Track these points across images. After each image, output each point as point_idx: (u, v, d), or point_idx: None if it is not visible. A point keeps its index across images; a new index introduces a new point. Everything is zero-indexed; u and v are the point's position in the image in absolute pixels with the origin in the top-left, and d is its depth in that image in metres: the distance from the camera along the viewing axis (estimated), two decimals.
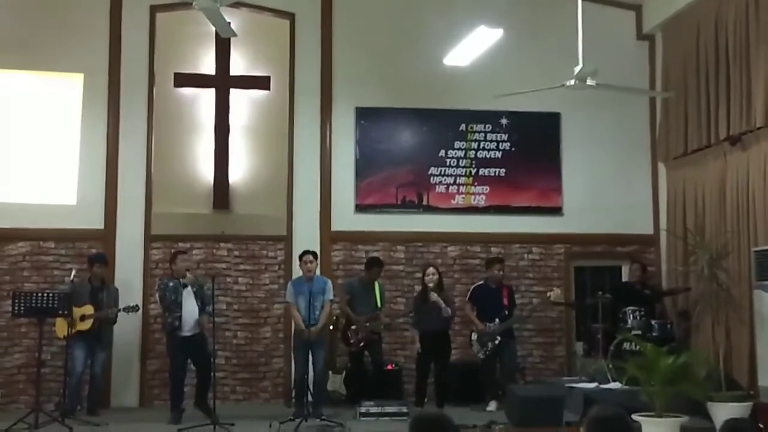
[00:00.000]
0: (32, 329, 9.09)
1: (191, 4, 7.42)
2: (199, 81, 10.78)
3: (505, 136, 10.73)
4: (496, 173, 10.69)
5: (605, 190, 10.72)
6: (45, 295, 8.34)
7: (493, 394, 9.14)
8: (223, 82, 10.77)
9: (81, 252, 9.73)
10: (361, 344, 9.33)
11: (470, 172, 10.65)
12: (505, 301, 9.44)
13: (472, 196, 10.64)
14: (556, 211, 10.72)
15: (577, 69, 7.51)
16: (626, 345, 8.87)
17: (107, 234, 9.91)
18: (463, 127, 10.69)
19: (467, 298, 9.64)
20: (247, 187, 10.81)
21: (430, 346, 9.22)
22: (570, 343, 10.62)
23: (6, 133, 10.00)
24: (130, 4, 10.18)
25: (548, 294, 9.61)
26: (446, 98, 10.53)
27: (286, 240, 10.26)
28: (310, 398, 8.47)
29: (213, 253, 10.17)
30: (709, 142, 9.67)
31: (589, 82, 7.49)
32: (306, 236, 10.01)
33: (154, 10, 10.25)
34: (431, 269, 9.40)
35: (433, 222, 10.51)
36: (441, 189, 10.60)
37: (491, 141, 10.72)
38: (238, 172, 10.80)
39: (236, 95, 10.82)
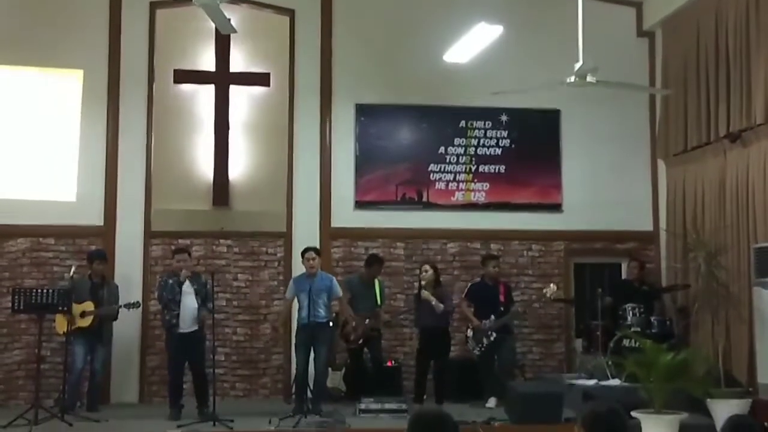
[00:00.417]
0: (32, 325, 9.09)
1: (191, 0, 7.41)
2: (198, 77, 10.77)
3: (504, 133, 10.73)
4: (496, 170, 10.69)
5: (605, 186, 10.72)
6: (45, 291, 8.34)
7: (492, 390, 9.14)
8: (222, 78, 10.76)
9: (81, 248, 9.73)
10: (361, 341, 9.34)
11: (470, 168, 10.65)
12: (502, 298, 9.45)
13: (472, 193, 10.64)
14: (556, 207, 10.72)
15: (577, 66, 7.49)
16: (625, 342, 8.87)
17: (107, 230, 9.91)
18: (462, 123, 10.69)
19: (464, 296, 9.65)
20: (246, 184, 10.80)
21: (428, 343, 9.24)
22: (569, 340, 10.63)
23: (5, 130, 10.00)
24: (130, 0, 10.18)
25: (544, 290, 9.61)
26: (446, 95, 10.53)
27: (286, 237, 10.26)
28: (309, 395, 8.48)
29: (212, 250, 10.17)
30: (708, 139, 9.67)
31: (588, 78, 7.47)
32: (305, 233, 10.02)
33: (153, 6, 10.24)
34: (426, 266, 9.42)
35: (432, 219, 10.52)
36: (441, 186, 10.60)
37: (491, 138, 10.72)
38: (237, 169, 10.80)
39: (236, 92, 10.80)
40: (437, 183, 10.60)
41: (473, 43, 8.67)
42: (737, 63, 9.07)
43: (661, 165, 10.83)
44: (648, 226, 10.86)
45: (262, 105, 10.92)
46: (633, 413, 6.65)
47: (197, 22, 10.01)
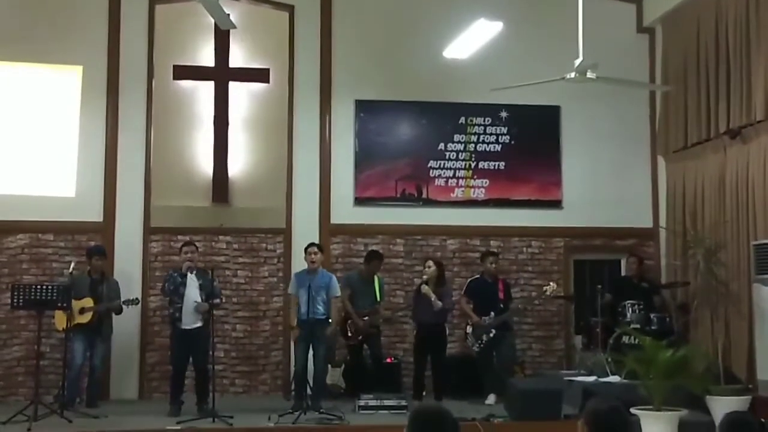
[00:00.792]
0: (31, 321, 9.08)
1: None
2: (198, 73, 10.74)
3: (504, 129, 10.72)
4: (496, 166, 10.68)
5: (605, 183, 10.72)
6: (44, 287, 8.34)
7: (492, 387, 9.14)
8: (222, 74, 10.74)
9: (80, 244, 9.72)
10: (360, 337, 9.34)
11: (470, 165, 10.64)
12: (501, 295, 9.45)
13: (472, 189, 10.63)
14: (556, 204, 10.72)
15: (577, 62, 7.49)
16: (625, 338, 8.88)
17: (106, 226, 9.90)
18: (462, 120, 10.68)
19: (463, 292, 9.64)
20: (246, 180, 10.79)
21: (425, 339, 9.24)
22: (569, 337, 10.63)
23: (5, 126, 9.98)
24: None
25: (544, 288, 9.61)
26: (446, 91, 10.51)
27: (285, 233, 10.25)
28: (309, 391, 8.48)
29: (212, 246, 10.16)
30: (708, 136, 9.66)
31: (589, 75, 7.47)
32: (305, 229, 10.01)
33: (153, 2, 10.22)
34: (429, 262, 9.43)
35: (432, 215, 10.51)
36: (440, 182, 10.59)
37: (491, 134, 10.71)
38: (237, 165, 10.78)
39: (235, 88, 10.78)
40: (437, 179, 10.59)
41: (473, 39, 8.66)
42: (737, 59, 9.06)
43: (661, 161, 10.83)
44: (648, 223, 10.86)
45: (262, 101, 10.90)
46: (632, 410, 6.66)
47: (196, 18, 9.99)
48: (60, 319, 8.55)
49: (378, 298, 9.49)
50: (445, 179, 10.60)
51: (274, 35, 10.74)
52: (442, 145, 10.62)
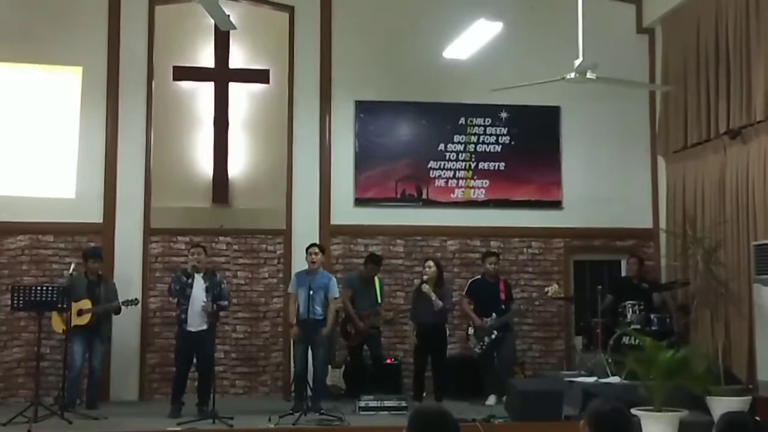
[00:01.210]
0: (31, 323, 9.08)
1: None
2: (198, 74, 10.74)
3: (504, 130, 10.72)
4: (496, 167, 10.68)
5: (605, 183, 10.72)
6: (44, 288, 8.32)
7: (492, 387, 9.13)
8: (222, 75, 10.74)
9: (80, 246, 9.70)
10: (360, 338, 9.33)
11: (470, 165, 10.64)
12: (502, 296, 9.44)
13: (472, 190, 10.63)
14: (556, 205, 10.72)
15: (577, 62, 7.49)
16: (625, 339, 8.87)
17: (106, 228, 9.89)
18: (462, 120, 10.68)
19: (464, 293, 9.63)
20: (246, 181, 10.79)
21: (425, 340, 9.23)
22: (569, 338, 10.63)
23: (4, 127, 9.98)
24: None
25: (546, 289, 9.60)
26: (446, 92, 10.51)
27: (285, 234, 10.25)
28: (309, 392, 8.47)
29: (212, 247, 10.13)
30: (708, 136, 9.66)
31: (589, 75, 7.47)
32: (305, 230, 10.01)
33: (153, 2, 10.22)
34: (429, 262, 9.42)
35: (432, 216, 10.51)
36: (440, 183, 10.59)
37: (491, 135, 10.71)
38: (237, 166, 10.78)
39: (235, 88, 10.78)
40: (437, 180, 10.59)
41: (473, 39, 8.66)
42: (737, 59, 9.06)
43: (661, 162, 10.82)
44: (648, 223, 10.86)
45: (262, 102, 10.90)
46: (633, 411, 6.65)
47: (196, 19, 9.99)
48: (57, 322, 8.54)
49: (378, 300, 9.48)
50: (445, 180, 10.60)
51: (274, 36, 10.74)
52: (442, 146, 10.62)
